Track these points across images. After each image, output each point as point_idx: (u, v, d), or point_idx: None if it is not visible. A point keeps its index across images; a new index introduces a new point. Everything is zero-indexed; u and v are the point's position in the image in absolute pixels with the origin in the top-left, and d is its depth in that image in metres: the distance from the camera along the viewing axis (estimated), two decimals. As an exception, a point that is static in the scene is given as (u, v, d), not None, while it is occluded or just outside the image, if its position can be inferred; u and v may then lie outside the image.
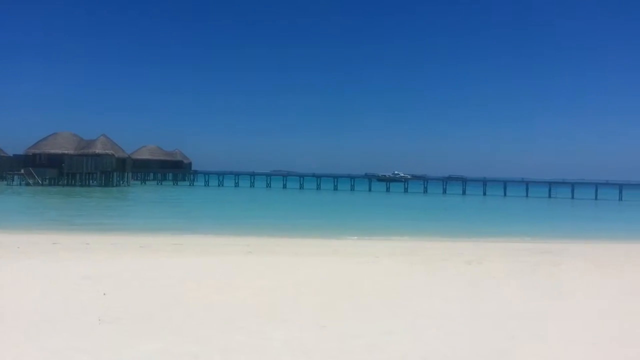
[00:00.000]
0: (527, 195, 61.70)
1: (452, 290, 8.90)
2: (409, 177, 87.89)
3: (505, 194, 63.27)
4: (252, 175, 75.23)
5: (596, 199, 58.61)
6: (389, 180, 77.93)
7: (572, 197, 59.68)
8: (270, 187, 70.79)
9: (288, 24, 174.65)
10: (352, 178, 74.58)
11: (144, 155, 77.72)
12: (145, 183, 73.26)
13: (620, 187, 62.48)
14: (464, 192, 66.11)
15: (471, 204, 50.81)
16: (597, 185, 63.37)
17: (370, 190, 68.51)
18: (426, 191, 68.45)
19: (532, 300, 8.22)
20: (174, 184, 73.26)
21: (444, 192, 67.28)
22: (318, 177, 75.28)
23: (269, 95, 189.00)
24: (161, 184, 72.99)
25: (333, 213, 34.50)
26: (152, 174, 77.50)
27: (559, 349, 5.68)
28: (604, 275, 10.87)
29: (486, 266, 11.61)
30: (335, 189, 70.21)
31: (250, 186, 70.61)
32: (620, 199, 59.14)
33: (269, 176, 76.88)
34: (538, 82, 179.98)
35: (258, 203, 44.27)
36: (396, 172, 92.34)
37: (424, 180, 74.66)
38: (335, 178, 73.79)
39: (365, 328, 6.36)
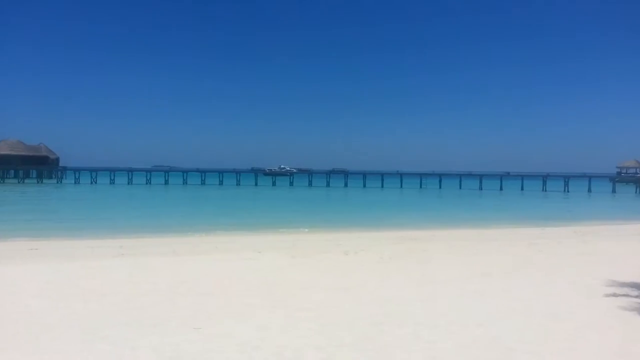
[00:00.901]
0: (401, 187, 66.28)
1: (330, 281, 9.18)
2: (294, 170, 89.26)
3: (382, 186, 67.31)
4: (130, 172, 70.66)
5: (460, 188, 64.70)
6: (275, 174, 78.29)
7: (440, 187, 65.49)
8: (150, 183, 67.15)
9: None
10: (237, 173, 73.74)
11: (2, 150, 69.53)
12: (3, 181, 65.23)
13: (481, 178, 69.55)
14: (346, 185, 69.02)
15: (352, 195, 53.07)
16: (461, 177, 70.06)
17: (256, 184, 68.25)
18: (311, 184, 70.03)
19: (403, 287, 8.78)
20: (38, 182, 66.16)
21: (328, 184, 69.47)
22: (202, 173, 73.20)
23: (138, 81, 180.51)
24: (23, 182, 65.45)
25: (216, 208, 33.73)
26: (12, 172, 69.40)
27: (422, 333, 6.11)
28: (462, 260, 11.97)
29: (362, 256, 12.16)
30: (221, 184, 68.89)
31: (128, 183, 66.41)
32: (480, 188, 65.76)
33: (148, 172, 72.80)
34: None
35: (136, 201, 41.81)
36: (282, 166, 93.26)
37: (309, 174, 76.35)
38: (221, 173, 72.39)
39: (241, 326, 6.28)
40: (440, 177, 70.36)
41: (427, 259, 11.90)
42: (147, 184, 66.71)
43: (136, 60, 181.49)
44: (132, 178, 68.78)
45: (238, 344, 5.55)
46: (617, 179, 74.72)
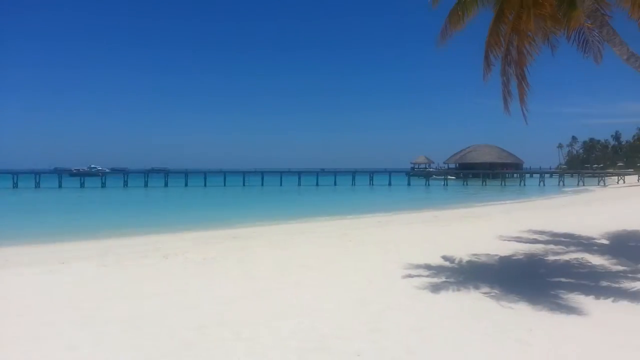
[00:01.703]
0: (225, 185, 66.14)
1: (148, 288, 8.68)
2: (107, 170, 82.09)
3: (205, 185, 66.30)
4: None
5: (262, 185, 67.23)
6: (83, 175, 70.63)
7: (262, 185, 67.16)
8: None
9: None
10: (36, 174, 64.61)
11: None
12: None
13: (299, 174, 73.20)
14: (166, 185, 66.05)
15: (173, 196, 50.97)
16: (281, 174, 72.81)
17: (60, 187, 60.70)
18: (127, 185, 65.20)
19: (225, 286, 8.76)
20: None
21: (146, 185, 65.57)
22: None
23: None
24: None
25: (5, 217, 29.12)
26: None
27: (244, 330, 6.20)
28: (282, 254, 12.46)
29: (183, 258, 11.78)
30: (15, 187, 59.67)
31: None
32: (299, 184, 69.21)
33: None
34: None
35: None
36: (93, 166, 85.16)
37: (124, 174, 70.91)
38: (15, 175, 62.40)
39: (42, 349, 5.56)
40: (263, 174, 72.04)
41: (249, 255, 12.08)
42: None
43: None
44: None
45: (37, 372, 4.91)
46: (411, 174, 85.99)
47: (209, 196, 50.42)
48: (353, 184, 70.70)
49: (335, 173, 75.91)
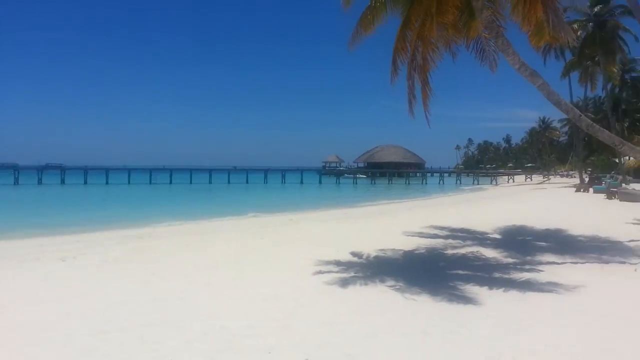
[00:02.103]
0: (129, 183, 62.77)
1: (42, 294, 7.99)
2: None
3: (107, 182, 62.59)
4: None
5: (150, 183, 65.20)
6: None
7: (150, 183, 64.72)
8: None
9: None
10: None
11: None
12: None
13: (210, 172, 71.52)
14: (62, 182, 61.40)
15: (71, 193, 47.42)
16: (191, 171, 70.71)
17: None
18: (17, 182, 59.54)
19: (130, 289, 8.31)
20: None
21: (40, 182, 60.43)
22: None
23: None
24: None
25: None
26: None
27: (149, 333, 5.94)
28: (189, 255, 12.11)
29: (82, 261, 11.01)
30: None
31: None
32: (210, 182, 67.58)
33: None
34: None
35: None
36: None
37: (15, 170, 64.61)
38: None
39: None
40: (171, 171, 69.33)
41: (156, 256, 11.58)
42: None
43: None
44: None
45: None
46: (322, 172, 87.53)
47: (111, 194, 47.58)
48: (265, 182, 70.48)
49: (247, 171, 75.16)
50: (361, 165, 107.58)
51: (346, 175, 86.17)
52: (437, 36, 11.89)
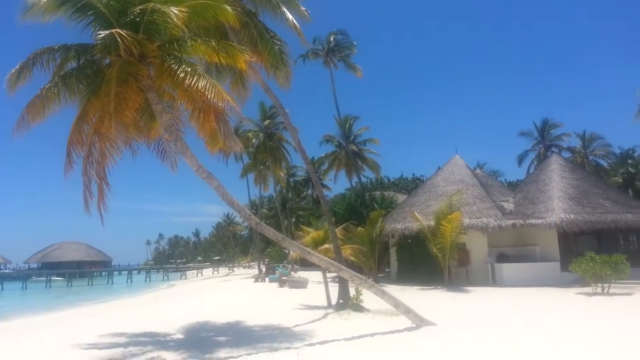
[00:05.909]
0: None
1: None
2: None
3: None
4: None
5: None
6: None
7: None
8: None
9: None
10: None
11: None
12: None
13: None
14: None
15: None
16: None
17: None
18: None
19: None
20: None
21: None
22: None
23: None
24: None
25: None
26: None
27: None
28: None
29: None
30: None
31: None
32: None
33: None
34: None
35: None
36: None
37: None
38: None
39: None
40: None
41: None
42: None
43: None
44: None
45: None
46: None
47: None
48: None
49: None
50: (34, 266, 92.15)
51: (34, 278, 71.86)
52: (117, 133, 11.70)
